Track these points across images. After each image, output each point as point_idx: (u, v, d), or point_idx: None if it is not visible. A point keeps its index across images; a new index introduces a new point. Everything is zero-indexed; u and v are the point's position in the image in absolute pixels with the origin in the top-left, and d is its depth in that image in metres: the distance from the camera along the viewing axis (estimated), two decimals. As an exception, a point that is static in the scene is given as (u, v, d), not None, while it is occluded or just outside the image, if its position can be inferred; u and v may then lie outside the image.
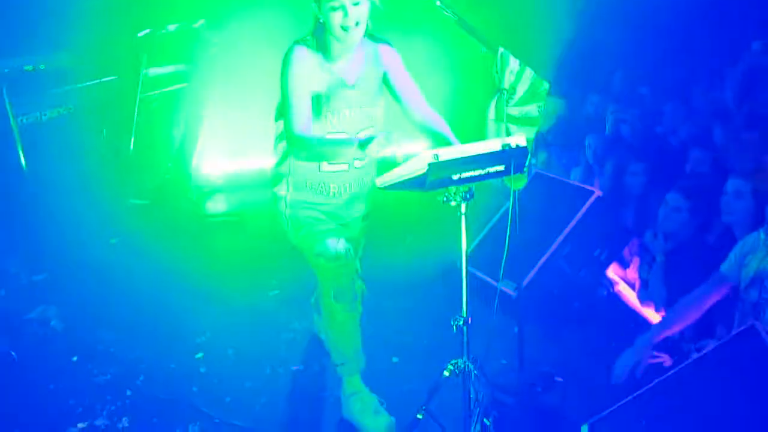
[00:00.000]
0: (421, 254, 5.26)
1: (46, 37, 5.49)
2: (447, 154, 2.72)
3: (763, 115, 4.80)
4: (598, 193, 4.75)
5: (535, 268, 4.65)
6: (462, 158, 2.75)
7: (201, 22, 6.33)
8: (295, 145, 3.17)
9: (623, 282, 4.81)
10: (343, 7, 3.01)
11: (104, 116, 6.03)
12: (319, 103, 3.20)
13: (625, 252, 4.90)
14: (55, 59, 5.64)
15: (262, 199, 5.63)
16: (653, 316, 4.31)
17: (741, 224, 3.69)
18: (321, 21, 3.13)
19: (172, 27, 6.20)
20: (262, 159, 6.41)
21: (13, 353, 4.37)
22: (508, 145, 2.84)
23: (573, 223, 4.71)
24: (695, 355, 3.27)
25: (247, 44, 6.33)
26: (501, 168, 2.86)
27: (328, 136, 3.25)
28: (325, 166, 3.32)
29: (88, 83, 5.84)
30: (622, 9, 7.05)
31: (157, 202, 6.49)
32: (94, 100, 5.92)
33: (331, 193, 3.42)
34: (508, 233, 3.29)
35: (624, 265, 4.94)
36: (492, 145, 2.82)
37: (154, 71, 6.24)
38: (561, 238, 4.70)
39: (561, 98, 6.44)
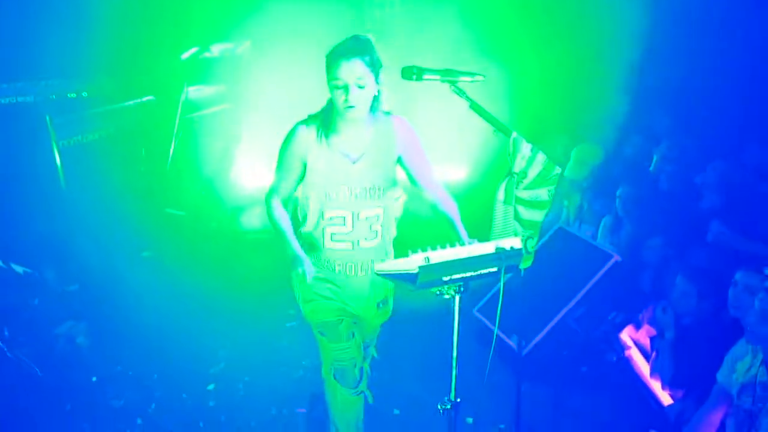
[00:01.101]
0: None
1: (88, 59, 5.68)
2: (438, 257, 2.72)
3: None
4: (616, 257, 4.74)
5: (546, 329, 4.68)
6: (454, 261, 2.77)
7: (246, 44, 6.43)
8: (264, 205, 3.29)
9: (635, 347, 4.76)
10: (346, 87, 3.02)
11: (144, 137, 6.21)
12: (318, 180, 3.21)
13: (643, 315, 4.85)
14: (97, 85, 5.84)
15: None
16: (659, 390, 4.27)
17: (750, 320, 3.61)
18: (330, 97, 3.16)
19: (215, 50, 6.35)
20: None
21: (37, 370, 4.58)
22: (503, 248, 2.85)
23: (588, 285, 4.72)
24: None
25: (286, 63, 6.38)
26: (494, 269, 2.86)
27: (329, 214, 3.25)
28: (329, 243, 3.29)
29: (128, 106, 6.03)
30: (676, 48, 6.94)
31: (192, 214, 6.64)
32: (135, 123, 6.13)
33: (336, 271, 3.34)
34: (498, 313, 3.27)
35: (639, 327, 4.88)
36: (485, 248, 2.82)
37: (195, 93, 6.38)
38: (576, 299, 4.72)
39: (598, 145, 6.38)
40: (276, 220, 3.22)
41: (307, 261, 3.03)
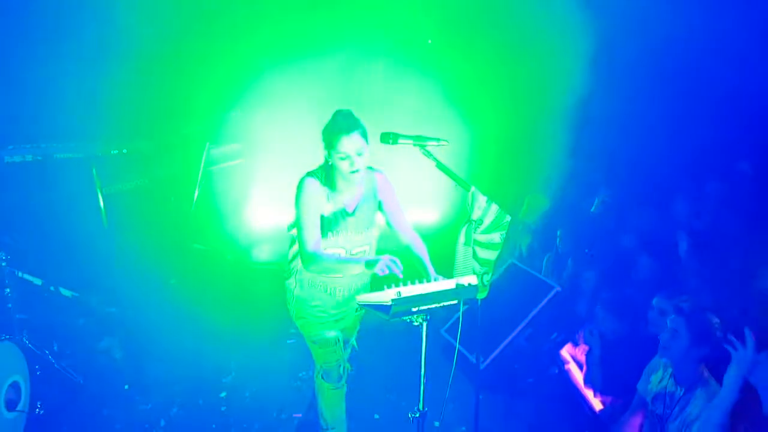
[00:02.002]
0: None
1: (128, 123, 5.77)
2: (408, 291, 2.75)
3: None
4: (557, 288, 4.75)
5: (500, 347, 4.66)
6: (421, 294, 2.78)
7: (258, 111, 6.49)
8: (307, 260, 3.20)
9: (573, 362, 4.75)
10: (349, 157, 3.11)
11: (173, 186, 6.22)
12: (322, 225, 3.26)
13: (579, 335, 4.85)
14: (135, 143, 5.89)
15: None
16: (592, 397, 4.25)
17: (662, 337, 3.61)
18: (329, 162, 3.20)
19: (233, 115, 6.44)
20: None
21: (80, 379, 4.51)
22: (462, 284, 2.87)
23: (535, 311, 4.72)
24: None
25: (290, 127, 6.39)
26: (455, 301, 2.89)
27: (327, 251, 3.28)
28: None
29: (160, 160, 6.07)
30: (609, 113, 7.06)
31: (213, 248, 6.59)
32: (165, 174, 6.14)
33: (328, 292, 3.43)
34: (458, 336, 3.27)
35: (576, 345, 4.87)
36: (447, 284, 2.85)
37: (215, 150, 6.42)
38: (524, 322, 4.72)
39: (545, 195, 6.47)
40: (332, 259, 3.25)
41: (384, 257, 2.97)
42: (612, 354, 4.10)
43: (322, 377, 3.51)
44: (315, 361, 3.56)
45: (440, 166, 3.34)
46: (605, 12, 6.48)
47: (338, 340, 3.49)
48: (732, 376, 2.82)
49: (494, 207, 3.41)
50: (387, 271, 2.95)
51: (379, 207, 3.43)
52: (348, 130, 3.08)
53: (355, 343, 3.82)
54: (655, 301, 3.83)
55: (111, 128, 5.73)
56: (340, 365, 3.52)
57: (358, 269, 3.25)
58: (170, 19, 5.99)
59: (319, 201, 3.23)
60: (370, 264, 3.01)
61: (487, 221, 3.41)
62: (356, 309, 3.57)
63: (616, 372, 4.03)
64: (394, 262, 2.95)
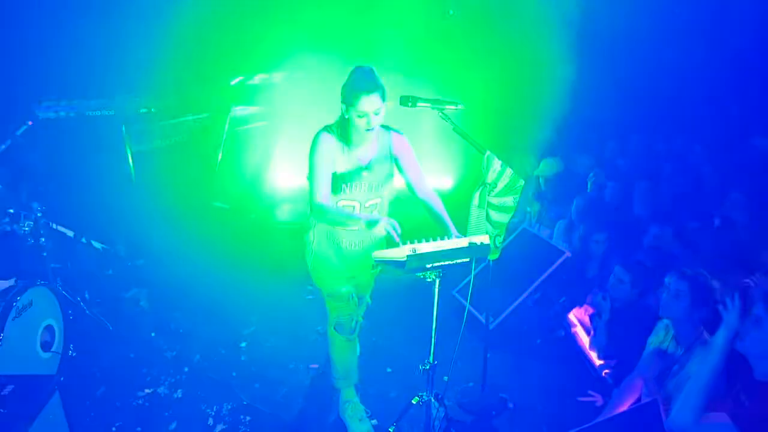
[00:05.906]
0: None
1: (157, 82, 5.75)
2: (423, 248, 2.75)
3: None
4: (567, 254, 4.73)
5: (509, 309, 4.68)
6: (435, 252, 2.79)
7: (281, 75, 6.44)
8: (314, 211, 3.24)
9: (580, 325, 4.75)
10: (367, 115, 3.08)
11: (199, 145, 6.24)
12: (337, 178, 3.25)
13: (587, 299, 4.84)
14: (163, 103, 5.88)
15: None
16: (596, 360, 4.26)
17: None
18: (346, 117, 3.17)
19: (257, 79, 6.38)
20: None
21: (109, 325, 4.61)
22: (474, 243, 2.86)
23: (544, 275, 4.71)
24: (608, 415, 3.31)
25: (311, 90, 6.34)
26: (467, 259, 2.88)
27: (341, 203, 3.29)
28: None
29: (187, 120, 6.06)
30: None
31: (236, 208, 6.64)
32: (192, 134, 6.16)
33: (343, 246, 3.44)
34: (469, 295, 3.30)
35: (582, 306, 4.87)
36: (461, 242, 2.84)
37: (239, 112, 6.40)
38: (534, 286, 4.72)
39: (560, 158, 6.37)
40: (336, 213, 3.24)
41: (384, 219, 2.96)
42: (619, 319, 4.10)
43: (335, 329, 3.56)
44: (329, 313, 3.60)
45: (457, 129, 3.31)
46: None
47: (352, 295, 3.51)
48: (721, 336, 2.82)
49: (508, 171, 3.38)
50: (384, 233, 2.95)
51: (397, 165, 3.41)
52: (368, 91, 3.04)
53: (369, 299, 3.85)
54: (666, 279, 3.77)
55: (140, 87, 5.73)
56: (352, 319, 3.56)
57: (360, 226, 3.20)
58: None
59: (334, 155, 3.22)
60: (370, 224, 2.99)
61: (500, 185, 3.39)
62: (372, 267, 3.58)
63: (621, 337, 4.04)
64: (393, 225, 2.93)
